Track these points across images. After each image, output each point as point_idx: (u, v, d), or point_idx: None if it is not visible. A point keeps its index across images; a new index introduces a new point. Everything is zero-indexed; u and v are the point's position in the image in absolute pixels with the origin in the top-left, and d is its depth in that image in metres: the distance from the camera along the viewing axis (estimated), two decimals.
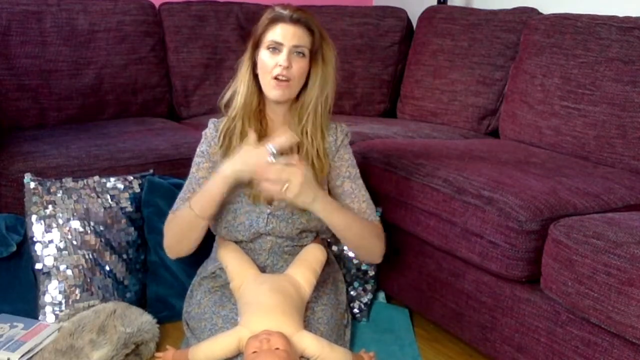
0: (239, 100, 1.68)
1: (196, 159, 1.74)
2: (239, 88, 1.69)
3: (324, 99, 1.67)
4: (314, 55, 1.64)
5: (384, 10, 2.96)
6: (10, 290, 1.82)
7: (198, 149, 1.75)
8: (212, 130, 1.73)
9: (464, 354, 1.88)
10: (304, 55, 1.63)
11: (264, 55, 1.63)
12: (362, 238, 1.70)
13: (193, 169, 1.73)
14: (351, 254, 1.98)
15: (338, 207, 1.66)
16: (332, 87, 1.69)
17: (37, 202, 1.82)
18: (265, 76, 1.63)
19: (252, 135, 1.61)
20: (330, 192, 1.76)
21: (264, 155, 1.54)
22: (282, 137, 1.57)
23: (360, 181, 1.77)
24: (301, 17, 1.62)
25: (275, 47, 1.61)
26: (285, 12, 1.62)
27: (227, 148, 1.68)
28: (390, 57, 2.90)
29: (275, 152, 1.54)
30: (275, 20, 1.62)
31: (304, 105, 1.67)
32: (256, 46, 1.66)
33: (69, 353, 1.61)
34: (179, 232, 1.68)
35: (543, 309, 1.56)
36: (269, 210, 1.69)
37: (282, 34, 1.61)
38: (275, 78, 1.61)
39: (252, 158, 1.56)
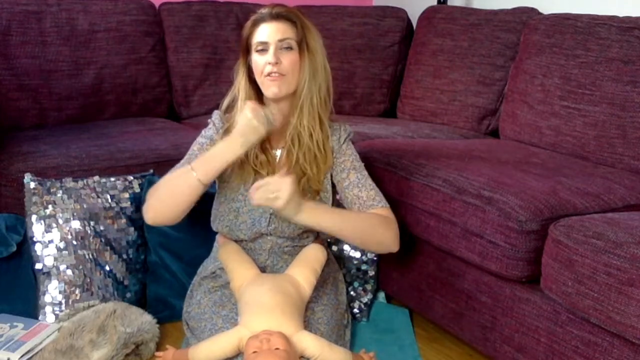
0: (239, 107, 1.69)
1: (200, 139, 1.74)
2: (238, 95, 1.71)
3: (317, 88, 1.66)
4: (301, 46, 1.65)
5: (384, 10, 2.96)
6: (10, 290, 1.82)
7: (204, 132, 1.75)
8: (219, 121, 1.74)
9: (464, 354, 1.88)
10: (291, 48, 1.63)
11: (254, 58, 1.65)
12: (364, 233, 1.67)
13: (194, 147, 1.72)
14: (351, 254, 1.98)
15: (324, 210, 1.65)
16: (325, 76, 1.69)
17: (37, 202, 1.82)
18: (260, 77, 1.65)
19: (250, 104, 1.60)
20: (334, 188, 1.76)
21: (265, 120, 1.57)
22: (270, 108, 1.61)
23: (366, 172, 1.77)
24: (281, 12, 1.64)
25: (263, 48, 1.63)
26: (265, 11, 1.64)
27: None
28: (390, 57, 2.90)
29: (267, 114, 1.58)
30: (257, 22, 1.65)
31: (298, 97, 1.67)
32: (247, 52, 1.68)
33: (69, 353, 1.62)
34: (171, 194, 1.62)
35: (543, 309, 1.56)
36: (271, 210, 1.69)
37: (266, 32, 1.63)
38: (269, 76, 1.62)
39: (259, 127, 1.57)
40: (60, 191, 1.85)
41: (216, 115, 1.76)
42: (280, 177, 1.53)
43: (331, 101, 1.73)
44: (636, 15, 2.14)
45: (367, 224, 1.68)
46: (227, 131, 1.68)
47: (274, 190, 1.51)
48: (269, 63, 1.61)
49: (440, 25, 2.76)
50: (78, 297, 1.81)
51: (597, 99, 2.09)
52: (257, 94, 1.70)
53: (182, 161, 1.71)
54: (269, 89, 1.64)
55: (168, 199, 1.62)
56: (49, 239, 1.81)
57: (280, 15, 1.63)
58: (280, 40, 1.62)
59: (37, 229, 1.81)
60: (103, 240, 1.86)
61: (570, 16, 2.28)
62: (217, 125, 1.74)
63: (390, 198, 1.96)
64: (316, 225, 1.63)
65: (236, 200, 1.71)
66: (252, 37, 1.65)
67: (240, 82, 1.70)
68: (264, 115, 1.57)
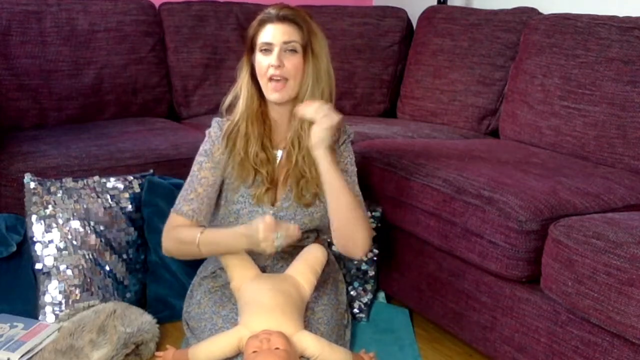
0: (241, 104, 1.69)
1: (199, 158, 1.73)
2: (240, 92, 1.71)
3: (320, 93, 1.66)
4: (306, 50, 1.65)
5: (384, 10, 2.96)
6: (10, 290, 1.82)
7: (201, 148, 1.74)
8: (217, 129, 1.73)
9: (464, 354, 1.88)
10: (296, 51, 1.63)
11: (258, 58, 1.65)
12: (350, 216, 1.65)
13: (195, 168, 1.72)
14: None
15: (338, 169, 1.64)
16: (328, 81, 1.69)
17: (37, 202, 1.82)
18: (262, 79, 1.65)
19: (268, 218, 1.54)
20: None
21: (271, 237, 1.53)
22: (290, 228, 1.55)
23: (355, 178, 1.76)
24: (288, 14, 1.63)
25: (267, 49, 1.63)
26: (273, 12, 1.64)
27: (230, 151, 1.70)
28: (390, 57, 2.90)
29: (279, 237, 1.53)
30: (264, 22, 1.64)
31: (300, 101, 1.66)
32: (251, 50, 1.68)
33: (69, 353, 1.62)
34: (179, 250, 1.70)
35: (543, 309, 1.56)
36: (271, 211, 1.69)
37: (271, 33, 1.62)
38: (271, 79, 1.62)
39: (266, 250, 1.55)
40: (60, 191, 1.85)
41: (214, 123, 1.75)
42: (334, 112, 1.62)
43: (333, 105, 1.72)
44: (636, 15, 2.14)
45: (356, 211, 1.66)
46: (227, 138, 1.69)
47: (328, 112, 1.59)
48: (272, 65, 1.61)
49: (440, 25, 2.76)
50: (78, 297, 1.81)
51: (597, 99, 2.09)
52: (259, 94, 1.70)
53: (185, 186, 1.70)
54: (272, 95, 1.65)
55: (178, 254, 1.73)
56: (49, 239, 1.81)
57: (287, 17, 1.63)
58: (285, 43, 1.62)
59: (37, 229, 1.81)
60: (103, 240, 1.86)
61: (570, 16, 2.28)
62: (213, 137, 1.72)
63: (390, 198, 1.96)
64: (324, 169, 1.62)
65: (236, 202, 1.71)
66: (257, 36, 1.65)
67: (243, 80, 1.70)
68: (275, 238, 1.52)
